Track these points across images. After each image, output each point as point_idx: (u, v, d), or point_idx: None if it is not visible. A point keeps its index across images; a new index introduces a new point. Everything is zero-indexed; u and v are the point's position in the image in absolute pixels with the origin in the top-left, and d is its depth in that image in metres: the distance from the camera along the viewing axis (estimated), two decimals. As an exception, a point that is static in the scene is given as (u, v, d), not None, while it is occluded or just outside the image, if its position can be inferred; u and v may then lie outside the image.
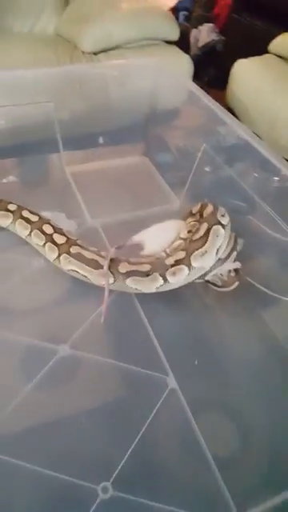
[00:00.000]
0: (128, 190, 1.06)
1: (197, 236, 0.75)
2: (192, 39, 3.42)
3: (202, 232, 0.75)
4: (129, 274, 0.76)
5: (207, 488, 0.58)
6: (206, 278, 0.79)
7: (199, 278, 0.78)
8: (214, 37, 3.36)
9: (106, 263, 0.75)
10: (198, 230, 0.76)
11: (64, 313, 0.80)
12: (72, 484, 0.57)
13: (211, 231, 0.75)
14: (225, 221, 0.77)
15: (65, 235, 0.82)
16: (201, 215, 0.80)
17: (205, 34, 3.40)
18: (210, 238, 0.75)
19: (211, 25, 3.25)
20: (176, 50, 1.97)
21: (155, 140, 1.22)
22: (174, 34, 1.99)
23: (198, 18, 3.29)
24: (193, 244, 0.75)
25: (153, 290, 0.76)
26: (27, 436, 0.63)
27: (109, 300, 0.75)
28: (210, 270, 0.77)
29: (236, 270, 0.81)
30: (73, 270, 0.79)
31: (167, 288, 0.76)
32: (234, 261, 0.81)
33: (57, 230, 0.83)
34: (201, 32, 3.42)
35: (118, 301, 0.79)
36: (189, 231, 0.79)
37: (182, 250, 0.75)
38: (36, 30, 2.18)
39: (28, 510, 0.57)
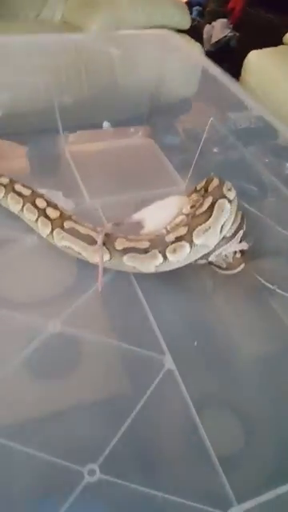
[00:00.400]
0: (131, 172, 1.00)
1: (200, 211, 0.69)
2: (205, 35, 3.36)
3: (205, 206, 0.69)
4: (126, 250, 0.70)
5: (204, 476, 0.52)
6: (210, 259, 0.73)
7: (202, 258, 0.72)
8: (228, 32, 3.30)
9: (100, 237, 0.70)
10: (201, 204, 0.70)
11: (56, 291, 0.74)
12: (56, 465, 0.51)
13: (216, 205, 0.69)
14: (231, 195, 0.71)
15: (59, 209, 0.77)
16: (206, 190, 0.73)
17: (218, 30, 3.34)
18: (214, 212, 0.68)
19: (225, 20, 3.20)
20: (187, 38, 1.91)
21: (162, 122, 1.16)
22: (186, 23, 1.94)
23: (212, 12, 3.24)
24: (195, 219, 0.69)
25: (152, 269, 0.70)
26: (13, 414, 0.58)
27: (103, 278, 0.70)
28: (213, 250, 0.71)
29: (242, 252, 0.75)
30: (66, 247, 0.74)
31: (167, 267, 0.70)
32: (241, 241, 0.75)
33: (50, 204, 0.78)
34: (214, 28, 3.37)
35: (114, 280, 0.74)
36: (192, 206, 0.73)
37: (184, 225, 0.69)
38: (42, 17, 2.13)
39: (4, 490, 0.51)
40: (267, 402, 0.63)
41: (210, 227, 0.68)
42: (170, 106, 1.27)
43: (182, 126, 1.16)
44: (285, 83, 1.80)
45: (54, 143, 1.07)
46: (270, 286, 0.76)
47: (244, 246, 0.74)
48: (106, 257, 0.71)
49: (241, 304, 0.77)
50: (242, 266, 0.75)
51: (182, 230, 0.69)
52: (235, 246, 0.73)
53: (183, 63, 1.24)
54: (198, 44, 1.89)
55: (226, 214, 0.69)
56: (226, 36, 3.26)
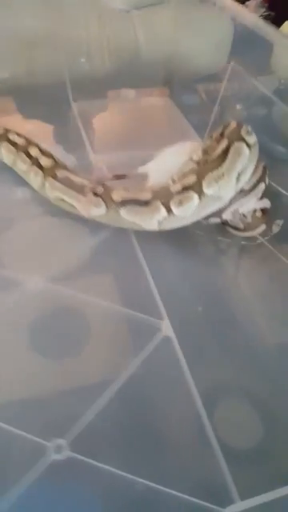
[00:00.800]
0: (144, 130, 0.91)
1: (213, 156, 0.58)
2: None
3: (219, 150, 0.58)
4: (124, 202, 0.60)
5: (200, 464, 0.42)
6: (224, 217, 0.62)
7: (214, 215, 0.61)
8: (262, 12, 3.15)
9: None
10: (215, 149, 0.59)
11: (48, 249, 0.65)
12: (16, 438, 0.42)
13: (231, 149, 0.58)
14: (251, 140, 0.60)
15: (53, 159, 0.68)
16: (221, 135, 0.63)
17: (252, 10, 3.19)
18: (229, 157, 0.57)
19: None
20: (214, 9, 1.78)
21: (182, 82, 1.06)
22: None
23: None
24: (207, 166, 0.58)
25: (154, 225, 0.60)
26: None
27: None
28: (228, 205, 0.60)
29: (263, 211, 0.64)
30: (59, 198, 0.65)
31: (172, 224, 0.60)
32: (262, 197, 0.63)
33: (45, 153, 0.69)
34: (248, 8, 3.22)
35: (112, 238, 0.64)
36: (204, 153, 0.62)
37: (193, 174, 0.59)
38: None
39: None
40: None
41: (223, 174, 0.57)
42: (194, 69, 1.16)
43: (203, 86, 1.05)
44: None
45: (59, 97, 0.98)
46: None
47: (266, 203, 0.63)
48: (102, 210, 0.62)
49: (260, 280, 0.65)
50: (263, 227, 0.64)
51: (191, 179, 0.58)
52: (255, 202, 0.62)
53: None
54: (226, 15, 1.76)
55: (243, 160, 0.58)
56: (260, 16, 3.11)
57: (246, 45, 1.07)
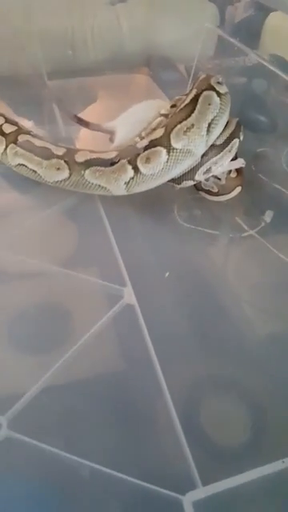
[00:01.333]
0: (119, 105, 0.86)
1: (181, 106, 0.54)
2: (227, 16, 3.22)
3: (188, 100, 0.53)
4: (88, 163, 0.55)
5: (160, 447, 0.36)
6: (196, 178, 0.57)
7: (187, 177, 0.56)
8: (252, 11, 3.14)
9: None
10: (184, 100, 0.55)
11: (8, 221, 0.60)
12: None
13: (201, 97, 0.53)
14: (221, 89, 0.55)
15: (17, 126, 0.63)
16: (191, 88, 0.58)
17: (241, 10, 3.19)
18: (198, 106, 0.52)
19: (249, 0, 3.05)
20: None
21: (161, 60, 1.02)
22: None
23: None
24: (175, 117, 0.53)
25: (121, 187, 0.55)
26: None
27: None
28: (200, 163, 0.55)
29: (238, 171, 0.59)
30: (20, 165, 0.60)
31: (141, 185, 0.55)
32: (236, 157, 0.59)
33: (9, 121, 0.64)
34: (237, 9, 3.22)
35: (77, 206, 0.59)
36: (172, 106, 0.58)
37: (162, 127, 0.54)
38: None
39: None
40: (250, 363, 0.47)
41: (192, 125, 0.52)
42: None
43: (183, 65, 1.02)
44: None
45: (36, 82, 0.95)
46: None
47: (240, 162, 0.58)
48: (65, 173, 0.57)
49: (241, 242, 0.60)
50: (239, 189, 0.59)
51: (158, 133, 0.53)
52: (228, 161, 0.57)
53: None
54: (211, 4, 1.74)
55: (213, 109, 0.53)
56: (250, 15, 3.10)
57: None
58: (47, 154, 0.57)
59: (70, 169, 0.56)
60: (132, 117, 0.60)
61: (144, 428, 0.38)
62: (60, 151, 0.57)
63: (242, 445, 0.37)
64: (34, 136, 0.61)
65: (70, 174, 0.56)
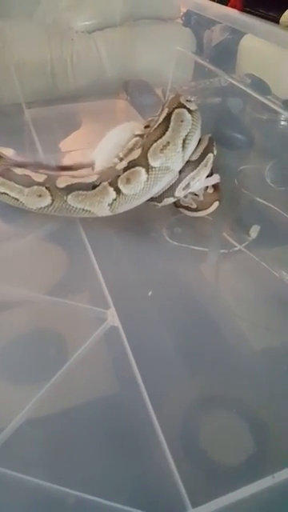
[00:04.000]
0: (97, 130, 0.87)
1: (155, 126, 0.54)
2: (205, 40, 3.31)
3: (161, 119, 0.54)
4: (70, 188, 0.55)
5: (148, 471, 0.35)
6: (176, 195, 0.57)
7: (168, 194, 0.57)
8: (227, 35, 3.23)
9: None
10: (157, 120, 0.56)
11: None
12: None
13: (173, 115, 0.54)
14: (191, 106, 0.56)
15: (-3, 155, 0.64)
16: (162, 108, 0.59)
17: (218, 34, 3.29)
18: (171, 123, 0.53)
19: (224, 24, 3.15)
20: (176, 25, 1.82)
21: (138, 84, 1.04)
22: (175, 12, 1.85)
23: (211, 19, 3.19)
24: (150, 136, 0.54)
25: (105, 209, 0.55)
26: None
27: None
28: (179, 180, 0.56)
29: (215, 187, 0.60)
30: (2, 193, 0.60)
31: (125, 205, 0.55)
32: (211, 173, 0.59)
33: (-13, 152, 0.65)
34: (213, 32, 3.32)
35: (59, 230, 0.59)
36: (146, 126, 0.59)
37: (139, 148, 0.55)
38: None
39: None
40: (244, 379, 0.46)
41: (168, 142, 0.53)
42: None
43: (160, 88, 1.04)
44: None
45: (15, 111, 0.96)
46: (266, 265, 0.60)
47: (216, 178, 0.59)
48: (47, 200, 0.57)
49: (226, 273, 0.60)
50: (216, 204, 0.60)
51: (136, 153, 0.54)
52: (205, 175, 0.58)
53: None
54: (187, 29, 1.80)
55: (186, 126, 0.54)
56: (226, 38, 3.19)
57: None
58: (28, 182, 0.58)
59: (51, 195, 0.56)
60: (108, 143, 0.61)
61: (131, 452, 0.37)
62: (41, 178, 0.57)
63: (233, 463, 0.36)
64: (14, 164, 0.61)
65: (53, 200, 0.56)
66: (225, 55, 1.31)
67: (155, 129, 0.54)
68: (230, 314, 0.53)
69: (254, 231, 0.61)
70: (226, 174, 0.63)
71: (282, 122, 0.91)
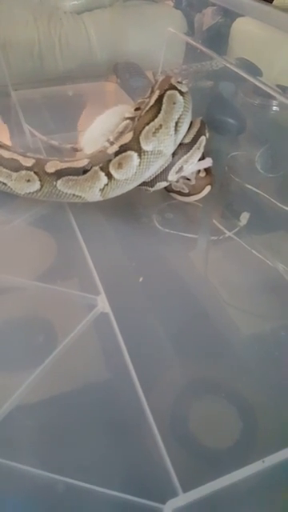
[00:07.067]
0: (87, 113, 0.86)
1: (146, 108, 0.53)
2: (196, 23, 3.27)
3: (152, 101, 0.53)
4: (60, 173, 0.54)
5: (139, 457, 0.35)
6: (170, 179, 0.57)
7: (160, 178, 0.56)
8: (219, 18, 3.19)
9: None
10: (148, 103, 0.55)
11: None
12: None
13: (165, 97, 0.53)
14: (183, 88, 0.55)
15: (-17, 138, 0.62)
16: (152, 90, 0.58)
17: (209, 17, 3.24)
18: (163, 106, 0.52)
19: (216, 6, 3.10)
20: (167, 6, 1.79)
21: (128, 67, 1.02)
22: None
23: (203, 0, 3.15)
24: (142, 119, 0.53)
25: (97, 195, 0.54)
26: None
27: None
28: (172, 163, 0.55)
29: (207, 171, 0.59)
30: (-12, 178, 0.59)
31: (116, 190, 0.54)
32: (203, 157, 0.59)
33: (-26, 134, 0.63)
34: (205, 15, 3.27)
35: (47, 215, 0.58)
36: (137, 109, 0.57)
37: (130, 131, 0.54)
38: None
39: None
40: (234, 365, 0.46)
41: (160, 125, 0.52)
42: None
43: (150, 71, 1.02)
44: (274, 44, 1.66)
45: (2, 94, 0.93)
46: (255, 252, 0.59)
47: (208, 162, 0.58)
48: (36, 185, 0.56)
49: (216, 259, 0.60)
50: (208, 188, 0.59)
51: (127, 137, 0.53)
52: (198, 158, 0.57)
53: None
54: (178, 11, 1.77)
55: (178, 108, 0.53)
56: (217, 22, 3.15)
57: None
58: (16, 166, 0.56)
59: (40, 180, 0.55)
60: (97, 129, 0.59)
61: (122, 439, 0.37)
62: (29, 162, 0.56)
63: (223, 448, 0.37)
64: (2, 146, 0.60)
65: (42, 186, 0.55)
66: (217, 39, 1.29)
67: (146, 111, 0.53)
68: (219, 300, 0.53)
69: (244, 218, 0.61)
70: (216, 159, 0.63)
71: (274, 108, 0.90)
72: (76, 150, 0.64)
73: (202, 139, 0.57)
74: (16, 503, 0.31)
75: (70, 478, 0.32)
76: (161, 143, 0.52)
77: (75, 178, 0.54)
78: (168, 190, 0.59)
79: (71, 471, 0.32)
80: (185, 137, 0.55)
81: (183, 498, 0.32)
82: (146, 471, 0.34)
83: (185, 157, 0.55)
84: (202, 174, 0.58)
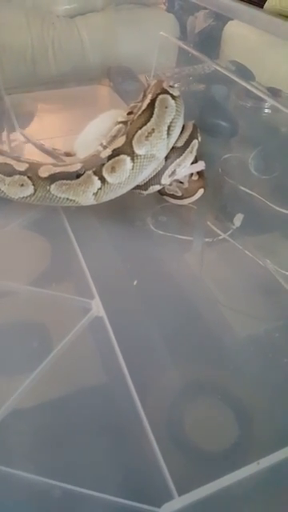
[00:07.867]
0: (80, 117, 0.86)
1: (139, 112, 0.54)
2: (188, 27, 3.28)
3: (145, 106, 0.54)
4: (53, 177, 0.54)
5: (134, 460, 0.35)
6: (163, 183, 0.57)
7: (154, 182, 0.57)
8: (211, 21, 3.21)
9: None
10: (140, 107, 0.55)
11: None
12: None
13: (157, 101, 0.53)
14: (174, 92, 0.55)
15: (-24, 143, 0.62)
16: (144, 95, 0.58)
17: (201, 20, 3.26)
18: (156, 110, 0.53)
19: (208, 10, 3.12)
20: (159, 10, 1.80)
21: (121, 70, 1.03)
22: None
23: (195, 4, 3.17)
24: (135, 123, 0.53)
25: (90, 198, 0.54)
26: None
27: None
28: (165, 167, 0.55)
29: (200, 174, 0.60)
30: (-18, 183, 0.59)
31: (110, 194, 0.54)
32: (196, 160, 0.59)
33: None
34: (197, 18, 3.29)
35: (41, 219, 0.58)
36: (129, 113, 0.58)
37: (123, 135, 0.54)
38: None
39: None
40: (229, 366, 0.46)
41: (153, 129, 0.52)
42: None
43: (143, 75, 1.03)
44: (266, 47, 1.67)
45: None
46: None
47: (201, 165, 0.59)
48: (29, 189, 0.56)
49: (211, 261, 0.60)
50: (201, 191, 0.59)
51: (120, 141, 0.53)
52: (191, 161, 0.57)
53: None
54: (170, 15, 1.78)
55: (171, 112, 0.53)
56: (209, 25, 3.17)
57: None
58: (9, 171, 0.56)
59: (34, 184, 0.55)
60: (90, 134, 0.60)
61: (117, 442, 0.37)
62: (22, 167, 0.56)
63: (218, 450, 0.37)
64: (-5, 152, 0.60)
65: (35, 190, 0.55)
66: (209, 42, 1.30)
67: (139, 115, 0.53)
68: (214, 302, 0.53)
69: (238, 220, 0.61)
70: (209, 162, 0.63)
71: (266, 110, 0.91)
72: (69, 154, 0.64)
73: (195, 143, 0.57)
74: (12, 509, 0.31)
75: (66, 483, 0.31)
76: (153, 147, 0.52)
77: (69, 182, 0.54)
78: (161, 193, 0.60)
79: (67, 476, 0.32)
80: (177, 140, 0.55)
81: (179, 502, 0.32)
82: (141, 475, 0.34)
83: (177, 160, 0.56)
84: (195, 178, 0.59)
